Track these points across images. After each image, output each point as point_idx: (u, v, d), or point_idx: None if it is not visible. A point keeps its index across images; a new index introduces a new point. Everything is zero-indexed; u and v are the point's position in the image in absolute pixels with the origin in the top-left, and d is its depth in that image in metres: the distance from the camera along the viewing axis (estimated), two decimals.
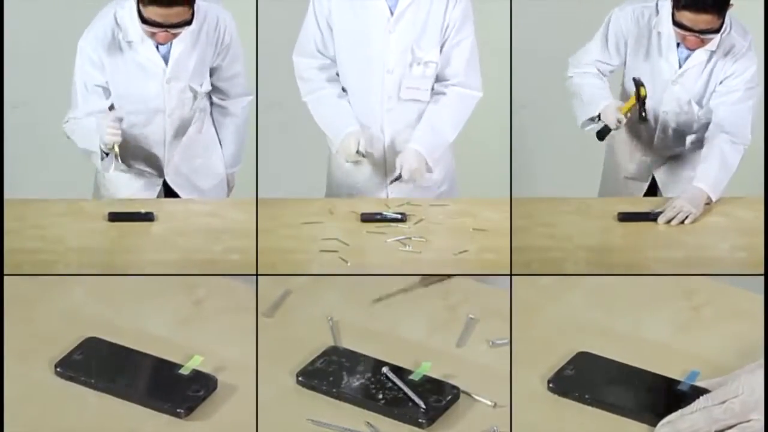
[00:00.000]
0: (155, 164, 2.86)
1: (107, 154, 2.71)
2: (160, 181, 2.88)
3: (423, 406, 1.90)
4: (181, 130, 2.84)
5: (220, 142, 2.93)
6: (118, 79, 2.74)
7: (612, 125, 2.83)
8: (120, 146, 2.73)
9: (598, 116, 2.86)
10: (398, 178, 2.77)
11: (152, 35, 2.67)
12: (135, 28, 2.70)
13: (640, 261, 2.51)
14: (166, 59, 2.75)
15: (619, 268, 2.43)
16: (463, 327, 2.11)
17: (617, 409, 1.91)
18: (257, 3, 2.82)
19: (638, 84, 2.82)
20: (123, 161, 2.82)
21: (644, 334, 2.10)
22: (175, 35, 2.68)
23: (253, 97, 2.90)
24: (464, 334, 2.10)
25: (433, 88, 2.82)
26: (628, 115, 2.84)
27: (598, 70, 2.90)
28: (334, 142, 2.83)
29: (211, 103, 2.90)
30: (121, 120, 2.69)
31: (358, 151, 2.77)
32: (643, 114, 2.81)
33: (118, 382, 1.96)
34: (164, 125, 2.81)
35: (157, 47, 2.73)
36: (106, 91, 2.75)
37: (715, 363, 1.99)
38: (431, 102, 2.81)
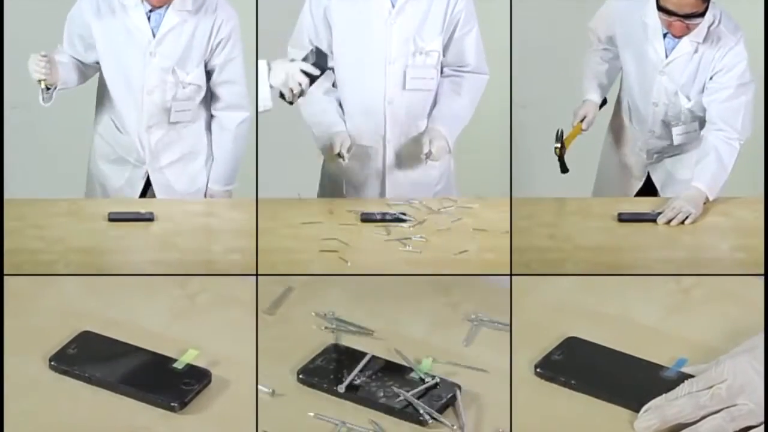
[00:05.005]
0: (133, 150, 2.85)
1: (48, 89, 2.74)
2: (143, 173, 2.88)
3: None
4: (158, 118, 2.83)
5: (211, 154, 2.92)
6: (103, 41, 2.78)
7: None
8: (99, 129, 2.78)
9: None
10: (428, 155, 2.78)
11: None
12: None
13: (640, 261, 2.51)
14: (154, 32, 2.77)
15: (619, 269, 2.43)
16: (467, 325, 2.12)
17: (603, 394, 1.92)
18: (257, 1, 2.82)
19: (558, 138, 2.88)
20: (106, 144, 2.86)
21: (635, 317, 2.11)
22: None
23: (249, 114, 2.88)
24: (469, 333, 2.10)
25: (442, 72, 2.83)
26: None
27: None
28: (320, 139, 2.83)
29: (212, 115, 2.90)
30: (46, 57, 2.71)
31: (339, 154, 2.76)
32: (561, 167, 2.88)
33: (112, 376, 1.96)
34: (141, 103, 2.81)
35: (149, 18, 2.75)
36: (88, 45, 2.80)
37: (704, 346, 2.01)
38: (447, 87, 2.84)
